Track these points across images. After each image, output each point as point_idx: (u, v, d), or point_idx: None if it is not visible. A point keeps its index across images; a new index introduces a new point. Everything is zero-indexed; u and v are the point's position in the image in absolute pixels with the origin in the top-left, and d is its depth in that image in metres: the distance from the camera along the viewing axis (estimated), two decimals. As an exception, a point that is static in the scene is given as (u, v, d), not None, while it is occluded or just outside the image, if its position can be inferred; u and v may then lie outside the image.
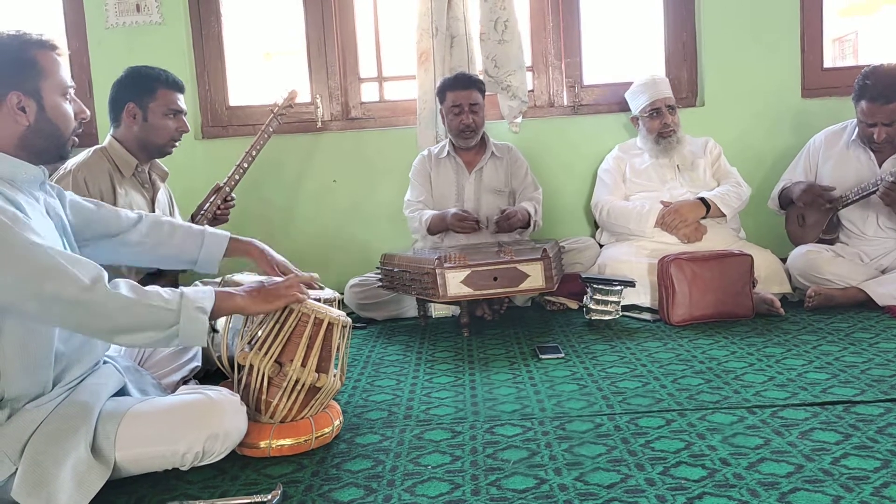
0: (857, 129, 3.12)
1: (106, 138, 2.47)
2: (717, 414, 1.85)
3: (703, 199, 3.21)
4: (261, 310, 1.70)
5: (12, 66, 1.53)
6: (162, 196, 2.58)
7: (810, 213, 3.21)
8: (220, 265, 2.00)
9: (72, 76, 1.65)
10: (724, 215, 3.21)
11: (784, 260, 3.17)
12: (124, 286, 1.50)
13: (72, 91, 1.63)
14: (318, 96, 3.67)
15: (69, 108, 1.61)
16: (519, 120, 3.58)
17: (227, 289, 1.71)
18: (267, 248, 2.05)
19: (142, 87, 2.43)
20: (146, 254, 1.94)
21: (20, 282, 1.41)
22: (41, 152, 1.58)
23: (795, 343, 2.48)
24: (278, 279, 1.79)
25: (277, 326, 1.73)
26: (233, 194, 2.77)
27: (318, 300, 1.85)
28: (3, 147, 1.54)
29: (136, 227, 1.89)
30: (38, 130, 1.56)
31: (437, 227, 3.20)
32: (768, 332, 2.64)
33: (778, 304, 2.87)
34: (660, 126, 3.31)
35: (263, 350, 1.72)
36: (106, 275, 1.50)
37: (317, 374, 1.73)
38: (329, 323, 1.75)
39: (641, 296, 3.01)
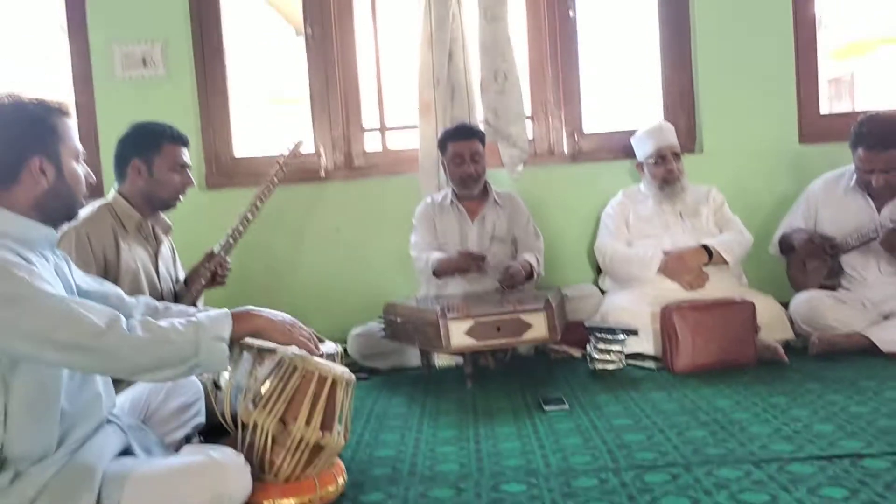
0: (855, 175, 3.15)
1: (110, 194, 2.49)
2: (724, 468, 1.83)
3: (705, 247, 3.23)
4: (276, 337, 1.73)
5: (35, 131, 1.58)
6: (165, 249, 2.59)
7: (811, 259, 3.22)
8: None
9: (79, 128, 1.70)
10: (726, 262, 3.22)
11: (786, 305, 3.17)
12: (140, 327, 1.53)
13: (83, 156, 1.68)
14: (321, 146, 3.71)
15: (81, 171, 1.67)
16: (520, 168, 3.62)
17: (245, 308, 1.74)
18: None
19: (147, 143, 2.46)
20: None
21: (39, 331, 1.43)
22: (53, 212, 1.62)
23: (800, 392, 2.47)
24: (300, 325, 1.82)
25: (281, 384, 1.73)
26: (228, 259, 2.64)
27: (322, 355, 1.85)
28: (18, 208, 1.57)
29: (134, 311, 1.88)
30: (55, 193, 1.60)
31: (444, 270, 3.20)
32: (772, 380, 2.63)
33: (781, 351, 2.87)
34: (664, 172, 3.34)
35: (267, 408, 1.71)
36: (122, 319, 1.52)
37: (321, 433, 1.73)
38: (333, 380, 1.75)
39: (645, 344, 3.01)
